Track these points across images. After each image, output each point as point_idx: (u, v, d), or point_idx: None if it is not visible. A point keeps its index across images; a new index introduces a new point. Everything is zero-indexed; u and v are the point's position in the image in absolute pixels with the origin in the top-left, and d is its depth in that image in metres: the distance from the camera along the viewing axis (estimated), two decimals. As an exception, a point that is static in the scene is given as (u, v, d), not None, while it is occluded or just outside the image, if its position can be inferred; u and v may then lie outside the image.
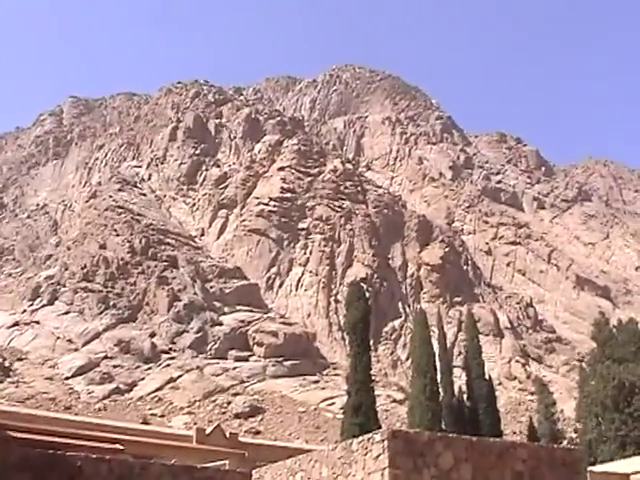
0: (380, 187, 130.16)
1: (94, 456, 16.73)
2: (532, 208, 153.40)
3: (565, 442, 49.93)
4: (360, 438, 15.45)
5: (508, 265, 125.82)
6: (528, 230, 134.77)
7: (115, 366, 77.48)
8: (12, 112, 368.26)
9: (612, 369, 46.77)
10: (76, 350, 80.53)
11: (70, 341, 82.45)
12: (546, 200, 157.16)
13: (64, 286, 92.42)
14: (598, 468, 31.45)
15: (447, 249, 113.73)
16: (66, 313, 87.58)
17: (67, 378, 74.73)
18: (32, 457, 15.92)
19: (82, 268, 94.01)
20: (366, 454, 15.03)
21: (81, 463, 16.07)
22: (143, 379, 76.45)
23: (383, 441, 14.75)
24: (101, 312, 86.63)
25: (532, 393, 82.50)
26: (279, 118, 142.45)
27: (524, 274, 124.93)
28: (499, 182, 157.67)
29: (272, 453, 28.63)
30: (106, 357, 79.02)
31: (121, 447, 21.66)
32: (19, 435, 19.16)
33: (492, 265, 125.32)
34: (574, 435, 54.51)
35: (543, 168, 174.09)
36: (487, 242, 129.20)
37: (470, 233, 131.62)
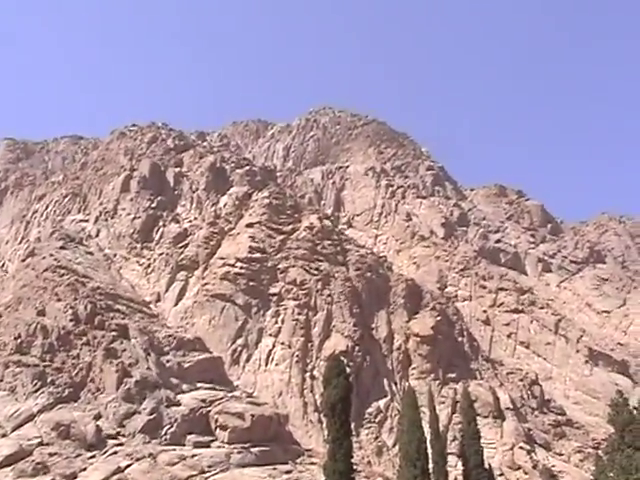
0: (363, 247, 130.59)
1: None
2: (536, 271, 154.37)
3: None
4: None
5: (509, 336, 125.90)
6: (532, 296, 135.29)
7: (52, 454, 76.04)
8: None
9: (634, 459, 46.48)
10: (4, 436, 79.06)
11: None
12: (553, 262, 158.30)
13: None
14: None
15: (439, 318, 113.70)
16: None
17: (-6, 469, 73.31)
18: None
19: (15, 338, 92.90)
20: None
21: None
22: (85, 469, 75.06)
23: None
24: (36, 390, 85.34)
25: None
26: (248, 167, 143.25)
27: (528, 347, 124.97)
28: (498, 241, 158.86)
29: None
30: (41, 444, 77.58)
31: None
32: None
33: (491, 336, 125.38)
34: (591, 539, 54.02)
35: (549, 225, 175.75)
36: (485, 310, 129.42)
37: (465, 299, 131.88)
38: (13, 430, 79.68)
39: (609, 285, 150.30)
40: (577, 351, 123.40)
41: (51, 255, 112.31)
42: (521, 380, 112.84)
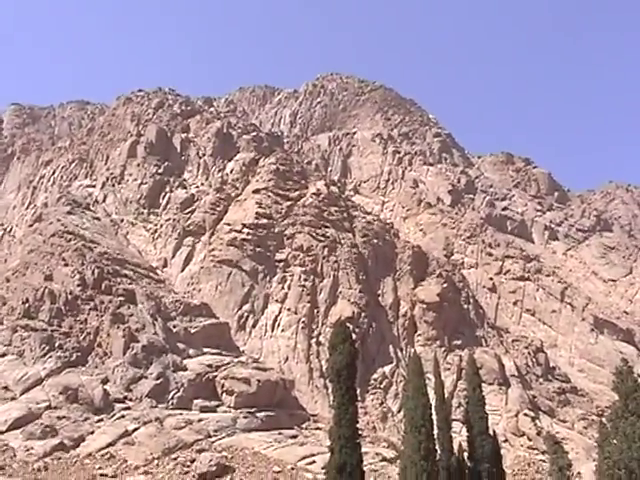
0: (369, 213, 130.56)
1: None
2: (543, 239, 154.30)
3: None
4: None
5: (515, 304, 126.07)
6: (538, 264, 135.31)
7: (60, 417, 76.68)
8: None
9: (637, 426, 46.72)
10: (13, 399, 79.67)
11: (6, 388, 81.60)
12: (559, 230, 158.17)
13: (1, 324, 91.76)
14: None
15: (445, 285, 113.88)
16: (2, 355, 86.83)
17: (1, 432, 73.93)
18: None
19: (23, 303, 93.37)
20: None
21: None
22: (92, 433, 75.71)
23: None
24: (44, 354, 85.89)
25: (544, 452, 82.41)
26: (255, 133, 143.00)
27: (534, 314, 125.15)
28: (505, 209, 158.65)
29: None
30: (49, 407, 78.21)
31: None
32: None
33: (497, 304, 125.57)
34: (593, 503, 54.45)
35: (556, 193, 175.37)
36: (491, 277, 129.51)
37: (472, 267, 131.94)
38: (22, 393, 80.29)
39: (615, 253, 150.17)
40: (582, 319, 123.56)
41: (58, 220, 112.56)
42: (526, 347, 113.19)
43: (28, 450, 70.73)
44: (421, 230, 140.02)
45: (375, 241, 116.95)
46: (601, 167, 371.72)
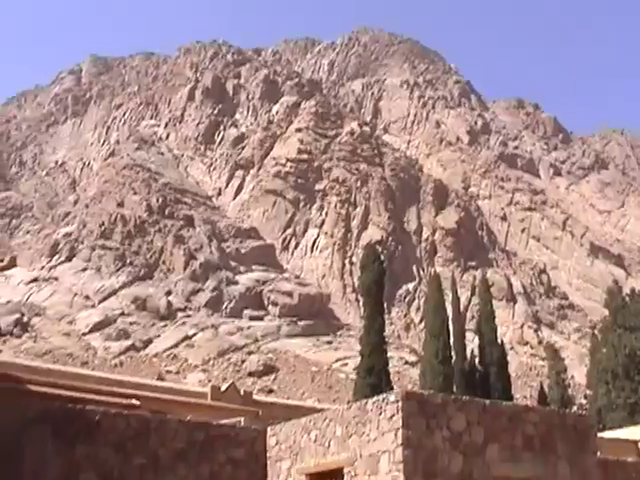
0: (397, 150, 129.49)
1: (113, 411, 16.89)
2: (548, 175, 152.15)
3: (575, 408, 49.98)
4: (374, 398, 15.51)
5: (523, 231, 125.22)
6: (544, 197, 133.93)
7: (131, 323, 78.13)
8: (32, 70, 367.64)
9: (624, 338, 46.67)
10: (93, 307, 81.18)
11: (87, 297, 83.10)
12: (562, 167, 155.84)
13: (82, 243, 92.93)
14: (607, 434, 31.51)
15: (462, 214, 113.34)
16: (84, 270, 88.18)
17: (84, 334, 75.47)
18: (52, 410, 16.09)
19: (100, 226, 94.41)
20: (380, 414, 15.10)
21: (99, 417, 16.23)
22: (159, 336, 77.11)
23: (397, 402, 14.82)
24: (118, 269, 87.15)
25: (543, 359, 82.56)
26: (297, 80, 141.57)
27: (538, 240, 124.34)
28: (516, 148, 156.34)
29: (285, 412, 28.77)
30: (122, 314, 79.66)
31: (137, 403, 21.81)
32: (38, 389, 19.33)
33: (507, 231, 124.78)
34: (584, 401, 54.61)
35: (560, 135, 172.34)
36: (502, 208, 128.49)
37: (486, 198, 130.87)
38: (100, 302, 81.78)
39: (611, 189, 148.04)
40: (581, 245, 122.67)
41: (128, 155, 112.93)
42: (531, 269, 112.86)
43: (106, 349, 72.35)
44: (442, 166, 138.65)
45: (402, 175, 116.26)
46: (600, 113, 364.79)
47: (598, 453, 18.44)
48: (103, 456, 16.18)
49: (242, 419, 23.98)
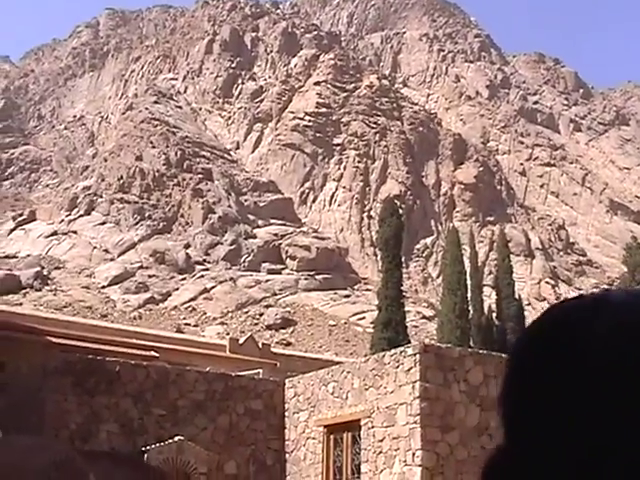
0: (416, 104, 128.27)
1: (132, 362, 17.02)
2: (568, 130, 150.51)
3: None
4: (392, 351, 15.56)
5: (542, 187, 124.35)
6: (563, 152, 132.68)
7: (150, 276, 78.57)
8: (49, 23, 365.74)
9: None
10: (112, 260, 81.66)
11: (106, 251, 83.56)
12: (583, 123, 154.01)
13: (101, 197, 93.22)
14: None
15: (481, 168, 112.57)
16: (102, 224, 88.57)
17: (103, 287, 76.03)
18: (72, 362, 16.25)
19: (118, 179, 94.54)
20: (397, 367, 15.15)
21: (119, 368, 16.38)
22: (177, 289, 77.58)
23: (415, 355, 14.86)
24: (137, 223, 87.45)
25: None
26: (316, 32, 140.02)
27: (557, 196, 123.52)
28: (536, 103, 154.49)
29: (303, 364, 29.03)
30: (141, 267, 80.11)
31: (156, 354, 22.03)
32: (59, 341, 19.52)
33: (526, 186, 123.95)
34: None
35: (581, 90, 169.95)
36: (522, 163, 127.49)
37: (505, 153, 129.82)
38: (119, 255, 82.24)
39: (631, 145, 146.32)
40: (600, 202, 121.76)
41: (146, 109, 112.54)
42: (550, 225, 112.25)
43: (125, 302, 72.88)
44: (461, 120, 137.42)
45: (420, 129, 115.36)
46: (622, 68, 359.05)
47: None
48: (123, 407, 16.36)
49: (260, 371, 24.19)
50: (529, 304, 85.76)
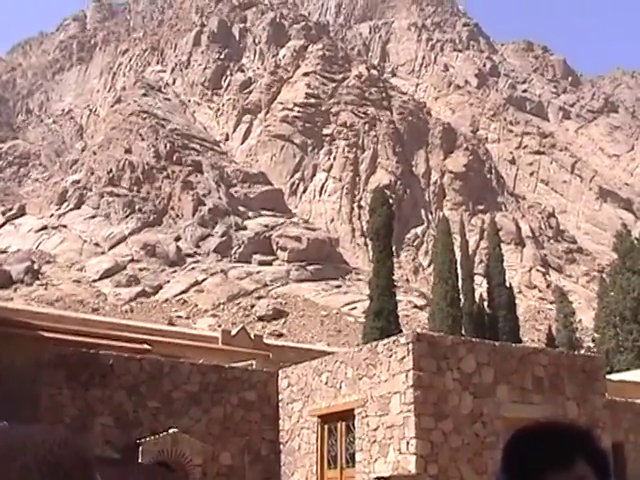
0: (405, 94, 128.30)
1: (125, 355, 17.06)
2: (557, 118, 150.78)
3: (582, 351, 50.32)
4: (385, 340, 15.65)
5: (531, 175, 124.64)
6: (553, 140, 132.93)
7: (141, 269, 78.46)
8: (36, 17, 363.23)
9: (632, 281, 46.80)
10: (103, 253, 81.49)
11: (97, 244, 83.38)
12: (572, 110, 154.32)
13: (90, 190, 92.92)
14: (615, 376, 31.78)
15: (471, 157, 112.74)
16: (93, 217, 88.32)
17: (94, 281, 75.87)
18: (66, 355, 16.27)
19: (108, 172, 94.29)
20: (391, 356, 15.24)
21: (113, 361, 16.41)
22: (168, 282, 77.50)
23: (408, 344, 14.95)
24: (127, 216, 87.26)
25: (551, 302, 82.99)
26: (304, 23, 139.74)
27: (547, 184, 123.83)
28: (525, 91, 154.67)
29: (296, 355, 29.05)
30: (132, 260, 79.96)
31: (149, 347, 22.04)
32: (51, 335, 19.53)
33: (515, 174, 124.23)
34: (592, 344, 54.95)
35: (570, 78, 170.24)
36: (511, 151, 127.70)
37: (494, 141, 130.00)
38: (110, 249, 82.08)
39: (620, 132, 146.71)
40: (589, 189, 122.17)
41: (135, 101, 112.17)
42: (540, 213, 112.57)
43: (116, 295, 72.78)
44: (450, 109, 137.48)
45: (410, 118, 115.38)
46: (610, 55, 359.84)
47: (606, 394, 18.58)
48: (117, 399, 16.40)
49: (254, 362, 24.25)
50: (520, 292, 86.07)
